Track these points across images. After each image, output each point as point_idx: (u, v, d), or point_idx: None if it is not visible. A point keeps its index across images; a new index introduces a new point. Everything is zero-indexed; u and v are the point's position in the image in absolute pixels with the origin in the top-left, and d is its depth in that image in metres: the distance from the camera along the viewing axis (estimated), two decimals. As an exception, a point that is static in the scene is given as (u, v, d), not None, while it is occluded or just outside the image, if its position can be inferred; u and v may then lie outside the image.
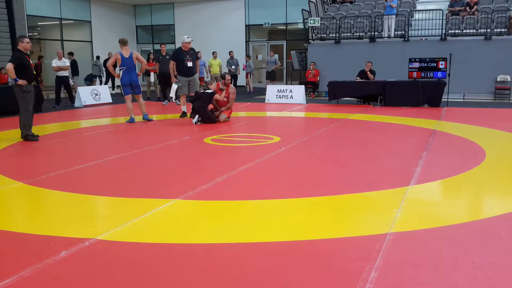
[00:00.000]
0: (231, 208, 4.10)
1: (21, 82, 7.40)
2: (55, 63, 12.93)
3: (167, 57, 13.43)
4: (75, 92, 14.26)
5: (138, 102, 10.02)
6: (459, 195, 4.62)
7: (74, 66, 16.82)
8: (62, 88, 13.69)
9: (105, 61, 18.06)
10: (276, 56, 18.33)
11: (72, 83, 16.82)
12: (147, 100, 14.98)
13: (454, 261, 2.94)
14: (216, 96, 9.45)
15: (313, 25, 16.75)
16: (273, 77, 17.58)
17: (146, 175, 5.38)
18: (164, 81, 14.41)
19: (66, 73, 13.20)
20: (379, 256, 2.98)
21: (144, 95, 15.89)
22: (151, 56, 15.97)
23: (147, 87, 16.49)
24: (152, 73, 15.59)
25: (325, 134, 8.12)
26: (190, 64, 10.10)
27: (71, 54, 17.06)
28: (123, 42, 9.58)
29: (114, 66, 9.90)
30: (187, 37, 10.14)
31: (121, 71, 9.52)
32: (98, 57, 18.81)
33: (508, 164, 5.73)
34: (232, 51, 17.63)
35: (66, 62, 13.26)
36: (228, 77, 9.80)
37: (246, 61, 18.11)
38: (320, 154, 6.56)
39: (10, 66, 7.31)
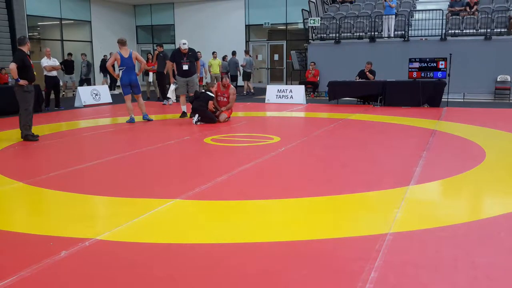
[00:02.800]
0: (231, 208, 4.10)
1: (22, 82, 7.40)
2: (46, 62, 12.73)
3: (162, 56, 13.79)
4: (74, 92, 14.17)
5: (137, 102, 10.01)
6: (459, 195, 4.62)
7: (71, 66, 16.77)
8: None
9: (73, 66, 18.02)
10: (249, 58, 17.92)
11: (71, 82, 16.76)
12: (147, 100, 14.97)
13: (454, 261, 2.94)
14: (211, 103, 9.44)
15: (313, 25, 16.75)
16: (247, 77, 17.56)
17: (146, 175, 5.38)
18: (160, 80, 14.62)
19: (56, 73, 13.07)
20: (379, 256, 2.98)
21: (144, 95, 15.87)
22: (149, 56, 15.99)
23: (147, 87, 16.49)
24: (150, 73, 15.58)
25: (325, 134, 8.12)
26: (186, 67, 10.20)
27: (70, 54, 17.02)
28: (122, 42, 9.60)
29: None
30: (184, 43, 10.20)
31: (121, 71, 9.55)
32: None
33: (508, 164, 5.73)
34: (226, 55, 17.66)
35: (56, 61, 13.12)
36: (225, 79, 9.78)
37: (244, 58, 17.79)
38: (320, 154, 6.56)
39: (13, 66, 7.30)
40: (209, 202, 4.22)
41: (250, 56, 18.17)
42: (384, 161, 6.00)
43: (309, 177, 5.24)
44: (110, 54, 17.54)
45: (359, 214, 3.93)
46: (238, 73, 17.61)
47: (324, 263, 2.95)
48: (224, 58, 17.78)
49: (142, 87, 16.44)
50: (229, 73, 16.78)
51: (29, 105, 7.60)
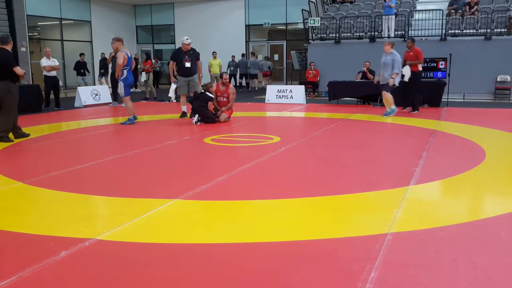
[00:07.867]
0: (231, 208, 4.10)
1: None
2: (46, 62, 12.61)
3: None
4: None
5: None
6: (459, 195, 4.62)
7: (84, 67, 16.67)
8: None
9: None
10: (253, 59, 19.20)
11: (83, 84, 16.58)
12: (146, 100, 14.99)
13: (454, 261, 2.94)
14: (210, 104, 9.45)
15: (313, 25, 16.75)
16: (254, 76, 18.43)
17: (146, 175, 5.38)
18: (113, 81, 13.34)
19: (55, 73, 13.03)
20: (379, 256, 2.98)
21: (144, 95, 15.90)
22: (145, 56, 15.99)
23: (146, 87, 16.47)
24: (143, 73, 15.48)
25: (325, 134, 8.12)
26: (188, 64, 10.11)
27: (82, 55, 16.91)
28: (122, 41, 9.53)
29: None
30: (187, 39, 10.17)
31: (125, 70, 9.29)
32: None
33: (508, 164, 5.73)
34: (234, 55, 18.01)
35: (56, 61, 13.09)
36: (225, 76, 9.79)
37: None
38: (320, 154, 6.56)
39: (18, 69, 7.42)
40: (209, 202, 4.22)
41: (255, 57, 19.21)
42: (384, 161, 6.00)
43: (309, 177, 5.24)
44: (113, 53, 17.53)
45: (359, 214, 3.93)
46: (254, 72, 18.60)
47: (324, 263, 2.95)
48: (233, 58, 18.11)
49: (141, 87, 16.39)
50: (231, 72, 17.23)
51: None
